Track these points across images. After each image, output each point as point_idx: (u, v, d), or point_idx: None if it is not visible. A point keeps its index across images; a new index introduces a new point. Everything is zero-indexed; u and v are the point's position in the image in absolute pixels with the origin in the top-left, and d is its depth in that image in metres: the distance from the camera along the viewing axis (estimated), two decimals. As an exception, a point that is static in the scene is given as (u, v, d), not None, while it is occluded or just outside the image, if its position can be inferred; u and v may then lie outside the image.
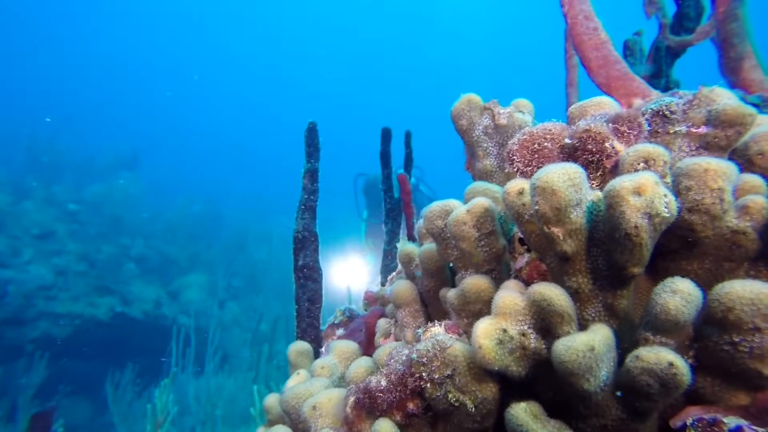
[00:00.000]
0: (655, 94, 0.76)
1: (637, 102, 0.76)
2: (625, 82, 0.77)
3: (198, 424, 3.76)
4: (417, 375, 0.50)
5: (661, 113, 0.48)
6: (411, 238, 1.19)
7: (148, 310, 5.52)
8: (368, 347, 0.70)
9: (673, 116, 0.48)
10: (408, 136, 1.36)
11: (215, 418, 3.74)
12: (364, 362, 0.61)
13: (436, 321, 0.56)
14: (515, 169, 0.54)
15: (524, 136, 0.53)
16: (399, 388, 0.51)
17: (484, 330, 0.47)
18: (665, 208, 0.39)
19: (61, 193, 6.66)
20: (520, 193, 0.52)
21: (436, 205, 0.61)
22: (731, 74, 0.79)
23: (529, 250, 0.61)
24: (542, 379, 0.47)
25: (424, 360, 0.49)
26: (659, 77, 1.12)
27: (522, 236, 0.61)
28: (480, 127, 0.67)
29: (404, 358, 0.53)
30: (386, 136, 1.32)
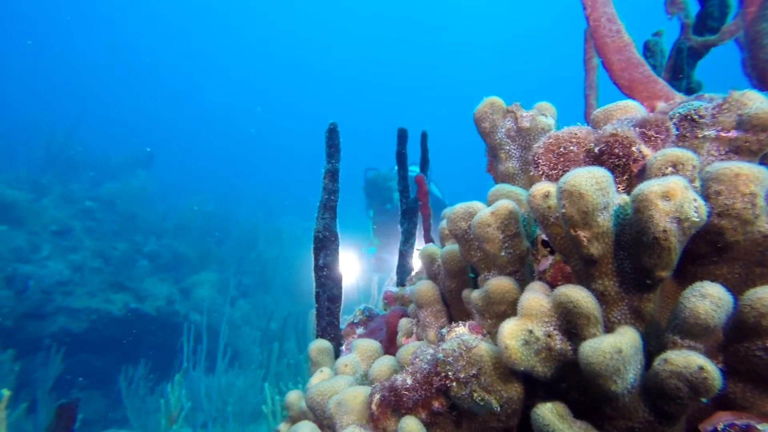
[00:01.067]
0: (678, 96, 0.75)
1: (661, 105, 0.75)
2: (648, 85, 0.76)
3: (210, 420, 3.83)
4: (443, 374, 0.51)
5: (689, 117, 0.49)
6: (427, 239, 1.20)
7: (160, 306, 5.63)
8: (389, 346, 0.72)
9: (702, 120, 0.48)
10: (424, 136, 1.37)
11: (227, 415, 3.80)
12: (387, 360, 0.63)
13: (459, 321, 0.57)
14: (540, 173, 0.55)
15: (550, 140, 0.54)
16: (424, 387, 0.52)
17: (510, 330, 0.48)
18: (695, 212, 0.40)
19: (78, 191, 6.85)
20: (546, 196, 0.52)
21: (459, 207, 0.62)
22: (759, 76, 0.78)
23: (552, 252, 0.62)
24: (568, 379, 0.48)
25: (450, 359, 0.50)
26: (680, 78, 1.11)
27: (545, 238, 0.62)
28: (503, 130, 0.68)
29: (429, 357, 0.54)
30: (402, 136, 1.33)
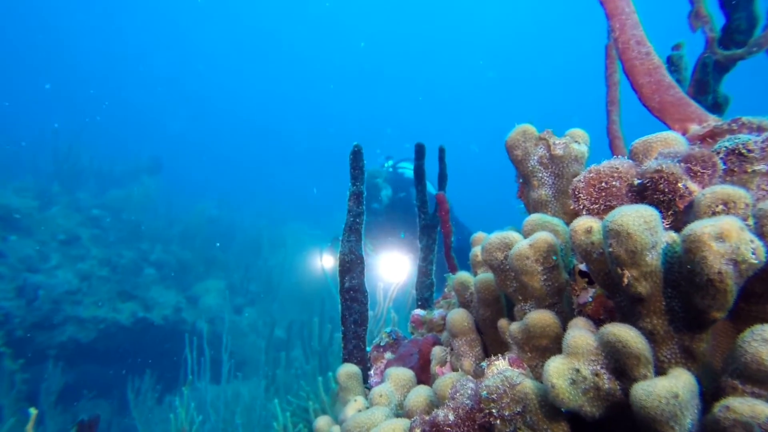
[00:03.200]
0: (712, 119, 0.75)
1: (694, 128, 0.75)
2: (680, 107, 0.77)
3: (218, 431, 3.83)
4: (486, 411, 0.51)
5: (737, 151, 0.49)
6: (449, 257, 1.20)
7: (168, 315, 5.67)
8: (421, 374, 0.72)
9: (751, 154, 0.48)
10: (442, 151, 1.38)
11: (236, 425, 3.81)
12: (422, 391, 0.63)
13: (499, 355, 0.57)
14: (581, 207, 0.55)
15: (591, 174, 0.54)
16: (467, 423, 0.52)
17: (557, 369, 0.48)
18: (753, 254, 0.40)
19: (85, 199, 6.94)
20: (588, 231, 0.52)
21: (495, 237, 0.62)
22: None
23: (590, 283, 0.62)
24: (616, 420, 0.48)
25: (494, 396, 0.51)
26: (706, 93, 1.11)
27: (583, 269, 0.62)
28: (535, 158, 0.68)
29: (470, 392, 0.54)
30: (420, 151, 1.34)
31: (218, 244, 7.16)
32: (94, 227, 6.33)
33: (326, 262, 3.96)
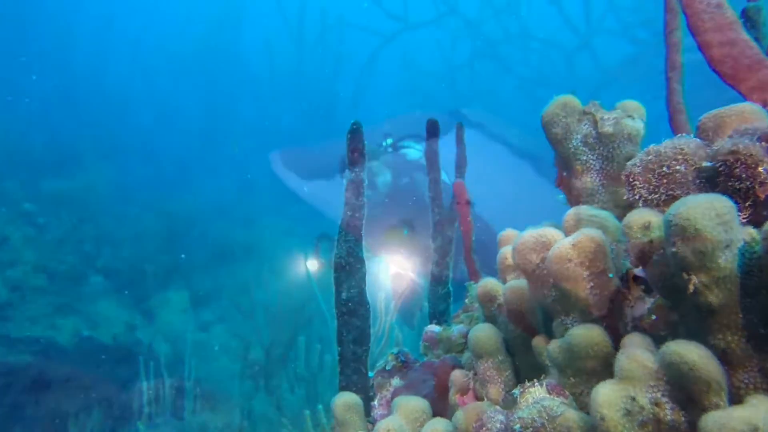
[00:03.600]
0: (799, 87, 0.75)
1: (776, 98, 0.75)
2: (759, 72, 0.76)
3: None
4: (520, 449, 0.52)
5: (831, 129, 0.49)
6: (469, 260, 1.21)
7: (118, 334, 5.70)
8: (438, 404, 0.73)
9: None
10: (460, 130, 1.38)
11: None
12: (440, 425, 0.64)
13: (535, 380, 0.58)
14: (637, 196, 0.56)
15: (649, 157, 0.54)
16: (496, 464, 0.53)
17: (607, 397, 0.49)
18: None
19: (14, 191, 6.96)
20: (646, 227, 0.53)
21: (529, 236, 0.62)
22: None
23: (647, 291, 0.62)
24: (681, 459, 0.49)
25: (530, 431, 0.51)
26: (790, 55, 1.10)
27: (639, 274, 0.63)
28: (579, 136, 0.68)
29: (500, 425, 0.55)
30: (433, 129, 1.34)
31: (183, 256, 7.17)
32: (27, 225, 6.35)
33: (312, 266, 3.98)
